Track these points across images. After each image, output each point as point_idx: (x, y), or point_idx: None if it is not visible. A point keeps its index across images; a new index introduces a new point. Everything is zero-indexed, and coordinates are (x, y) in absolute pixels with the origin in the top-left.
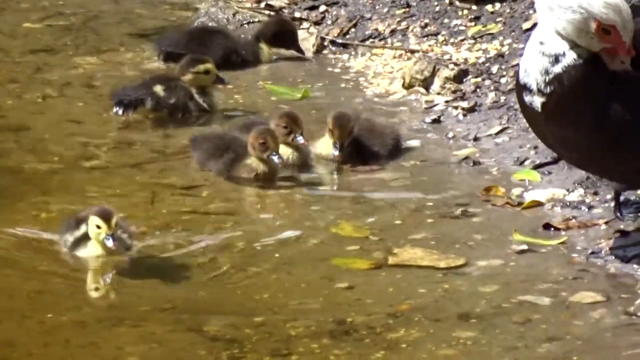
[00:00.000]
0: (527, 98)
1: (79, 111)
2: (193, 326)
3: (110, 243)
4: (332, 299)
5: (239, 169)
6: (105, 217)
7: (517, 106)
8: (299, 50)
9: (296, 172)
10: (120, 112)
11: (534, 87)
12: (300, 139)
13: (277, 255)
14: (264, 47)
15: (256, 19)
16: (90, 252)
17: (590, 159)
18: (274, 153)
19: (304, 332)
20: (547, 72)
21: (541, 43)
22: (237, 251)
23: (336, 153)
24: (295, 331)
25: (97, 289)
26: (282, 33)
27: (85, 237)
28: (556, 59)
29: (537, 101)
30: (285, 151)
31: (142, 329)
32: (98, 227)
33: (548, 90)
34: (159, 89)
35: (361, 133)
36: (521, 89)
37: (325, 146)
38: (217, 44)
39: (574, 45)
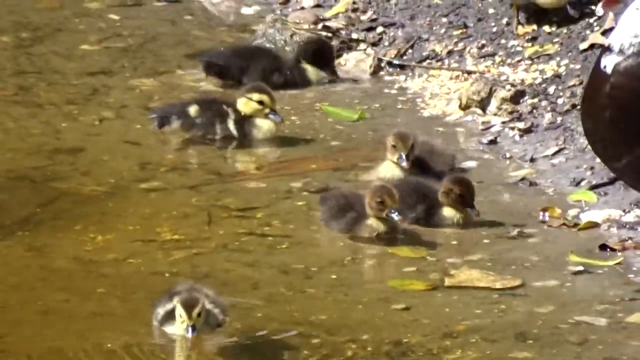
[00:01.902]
0: (604, 60)
1: (136, 133)
2: (249, 346)
3: (189, 334)
4: (388, 320)
5: (360, 228)
6: (188, 307)
7: (573, 127)
8: (334, 72)
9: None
10: (157, 127)
11: (616, 47)
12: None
13: (333, 276)
14: (307, 67)
15: None
16: (177, 330)
17: None
18: (393, 210)
19: (361, 353)
20: (636, 36)
21: (638, 9)
22: (294, 272)
23: (404, 164)
24: (352, 352)
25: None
26: (321, 52)
27: (173, 313)
28: None
29: (611, 61)
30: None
31: (194, 350)
32: (181, 316)
33: (630, 51)
34: (193, 109)
35: (423, 154)
36: (603, 51)
37: (387, 169)
38: (258, 62)
39: None
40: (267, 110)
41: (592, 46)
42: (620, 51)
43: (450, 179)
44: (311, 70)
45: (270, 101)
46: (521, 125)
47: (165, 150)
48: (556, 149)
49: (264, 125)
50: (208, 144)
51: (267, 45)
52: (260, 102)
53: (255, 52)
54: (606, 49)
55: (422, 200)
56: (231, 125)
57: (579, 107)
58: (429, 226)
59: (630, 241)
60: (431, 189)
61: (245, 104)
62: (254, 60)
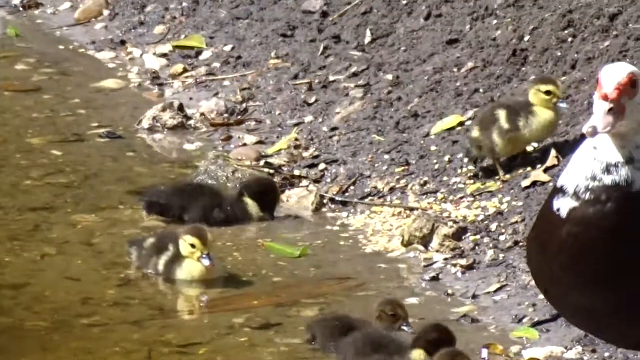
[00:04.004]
0: (557, 202)
1: (77, 269)
2: None
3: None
4: None
5: None
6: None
7: (515, 264)
8: (272, 216)
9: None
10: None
11: (570, 190)
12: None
13: None
14: (249, 201)
15: None
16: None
17: (598, 285)
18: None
19: None
20: (593, 178)
21: (595, 148)
22: None
23: (411, 331)
24: None
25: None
26: (267, 194)
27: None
28: (607, 169)
29: (566, 205)
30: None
31: None
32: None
33: (586, 197)
34: (148, 242)
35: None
36: (554, 192)
37: None
38: (199, 199)
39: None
40: (198, 254)
41: (534, 183)
42: (576, 195)
43: (382, 302)
44: (252, 205)
45: (202, 245)
46: (463, 262)
47: (107, 286)
48: (498, 285)
49: (187, 267)
50: (149, 279)
51: (210, 181)
52: (192, 246)
53: (195, 190)
54: (559, 190)
55: (382, 350)
56: (161, 263)
57: (521, 244)
58: None
59: None
60: (396, 339)
61: (182, 245)
62: (195, 197)
